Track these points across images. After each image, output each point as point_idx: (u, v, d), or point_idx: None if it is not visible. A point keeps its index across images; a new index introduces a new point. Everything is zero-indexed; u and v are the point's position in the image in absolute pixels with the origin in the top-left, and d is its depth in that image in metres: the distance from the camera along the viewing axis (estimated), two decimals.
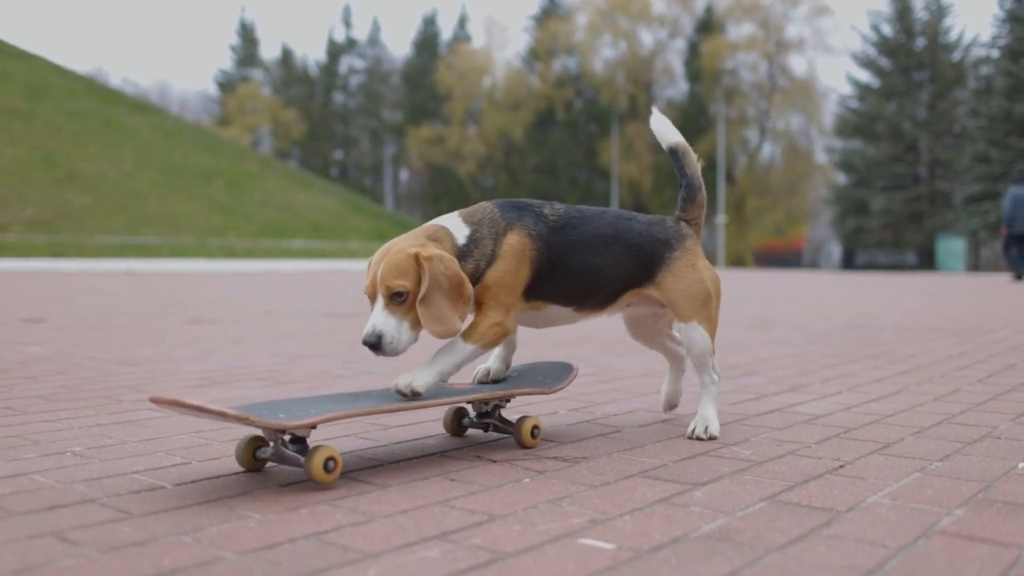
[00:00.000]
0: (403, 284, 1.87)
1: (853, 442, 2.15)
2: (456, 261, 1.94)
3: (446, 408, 2.28)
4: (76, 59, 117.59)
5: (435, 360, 1.97)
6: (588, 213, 2.14)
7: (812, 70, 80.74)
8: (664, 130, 2.32)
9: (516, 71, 68.52)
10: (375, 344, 1.86)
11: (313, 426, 1.73)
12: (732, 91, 59.99)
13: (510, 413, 2.27)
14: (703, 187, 2.31)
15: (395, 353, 1.89)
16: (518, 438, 2.07)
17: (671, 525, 1.47)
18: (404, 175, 75.45)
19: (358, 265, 19.72)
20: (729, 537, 1.41)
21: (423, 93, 70.79)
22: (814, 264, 55.13)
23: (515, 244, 2.00)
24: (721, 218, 47.42)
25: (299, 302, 8.44)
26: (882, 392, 2.97)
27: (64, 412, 2.51)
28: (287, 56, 77.14)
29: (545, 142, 65.55)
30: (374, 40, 77.56)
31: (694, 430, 2.18)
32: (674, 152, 2.31)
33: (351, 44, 76.77)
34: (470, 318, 2.04)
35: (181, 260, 22.27)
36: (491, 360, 2.25)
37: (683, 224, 2.26)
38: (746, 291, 12.48)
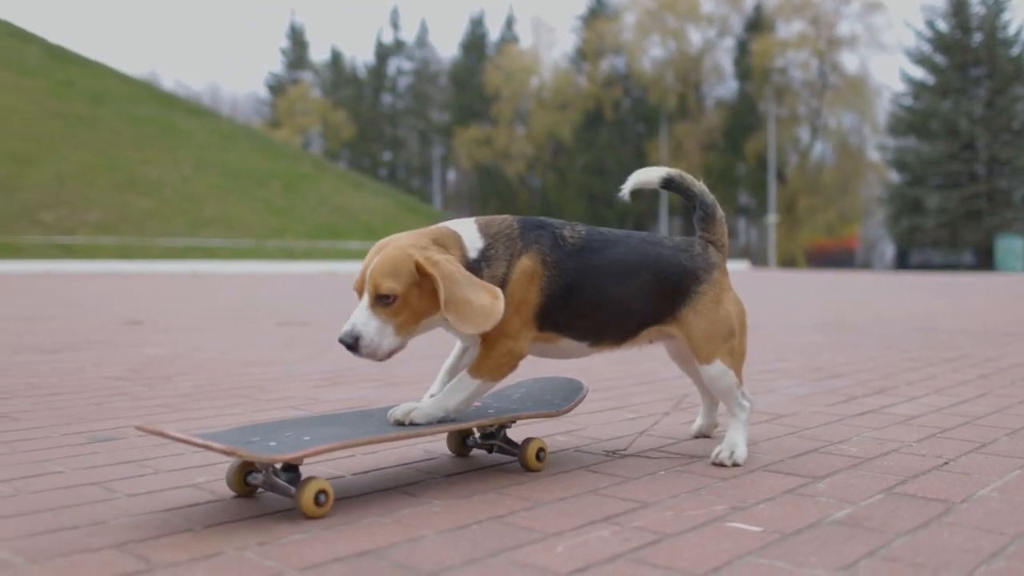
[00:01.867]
0: (391, 287, 1.74)
1: (951, 441, 2.31)
2: (460, 265, 1.81)
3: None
4: (130, 63, 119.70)
5: (443, 397, 1.88)
6: (612, 237, 2.01)
7: (864, 67, 79.90)
8: (646, 177, 2.19)
9: (564, 71, 68.71)
10: (351, 345, 1.74)
11: (300, 460, 1.66)
12: (782, 89, 59.62)
13: (516, 434, 2.22)
14: (716, 202, 2.20)
15: (374, 357, 1.76)
16: (523, 461, 1.99)
17: (804, 512, 1.65)
18: (452, 175, 75.98)
19: None
20: (859, 523, 1.58)
21: (471, 94, 71.25)
22: (866, 264, 54.60)
23: (525, 269, 1.87)
24: (772, 218, 47.16)
25: None
26: (968, 395, 3.12)
27: (215, 410, 2.74)
28: (336, 58, 78.06)
29: (593, 142, 65.67)
30: (422, 42, 78.20)
31: (719, 454, 2.04)
32: (670, 182, 2.19)
33: (399, 46, 77.46)
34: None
35: (241, 262, 22.74)
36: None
37: (711, 249, 2.13)
38: (802, 292, 12.54)
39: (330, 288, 12.36)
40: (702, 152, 61.66)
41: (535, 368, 3.68)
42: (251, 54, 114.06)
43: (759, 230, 60.61)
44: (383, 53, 77.52)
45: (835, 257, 53.66)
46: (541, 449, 1.99)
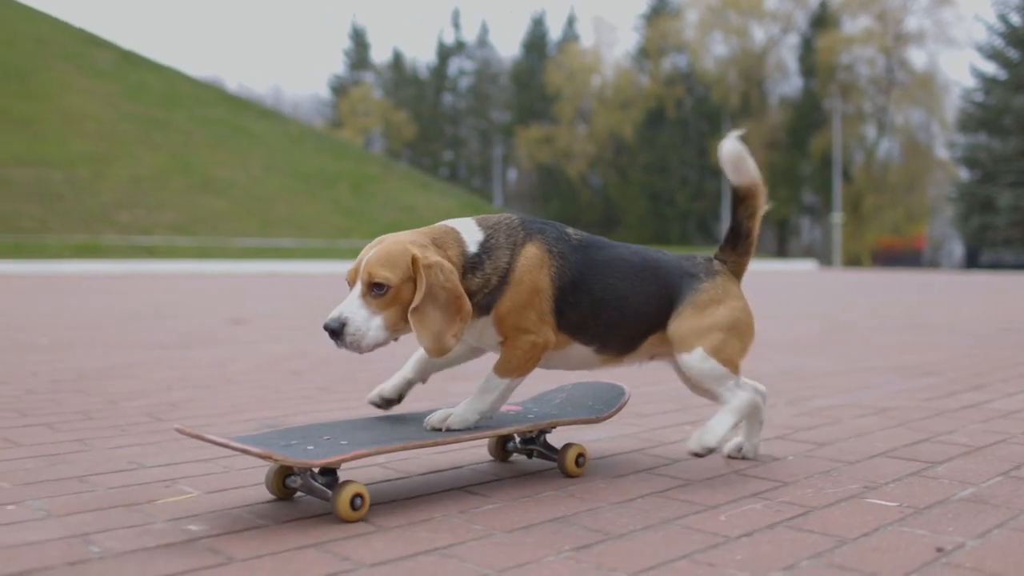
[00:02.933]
0: (386, 276, 1.72)
1: None
2: (456, 274, 1.78)
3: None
4: (194, 67, 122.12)
5: (475, 399, 1.88)
6: (611, 242, 2.00)
7: (933, 63, 78.52)
8: (738, 162, 2.02)
9: (625, 70, 68.56)
10: (336, 331, 1.71)
11: (337, 465, 1.68)
12: (848, 86, 58.86)
13: (555, 439, 2.18)
14: (753, 238, 2.08)
15: (357, 348, 1.73)
16: (562, 466, 2.00)
17: (931, 491, 1.83)
18: (512, 175, 76.28)
19: None
20: (984, 500, 1.76)
21: (532, 93, 71.43)
22: (934, 263, 53.73)
23: (533, 258, 1.84)
24: (837, 217, 46.68)
25: None
26: None
27: (355, 402, 2.99)
28: (398, 59, 78.71)
29: (655, 141, 65.45)
30: (483, 42, 78.53)
31: (695, 443, 1.95)
32: (736, 191, 2.05)
33: (460, 46, 77.90)
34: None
35: (313, 262, 23.24)
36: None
37: (716, 263, 2.07)
38: (877, 292, 12.55)
39: None
40: (766, 150, 61.13)
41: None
42: (313, 57, 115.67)
43: (823, 229, 59.98)
44: (444, 53, 78.02)
45: (901, 256, 52.89)
46: (580, 455, 1.99)
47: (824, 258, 47.92)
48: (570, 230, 1.93)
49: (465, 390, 3.10)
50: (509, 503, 1.75)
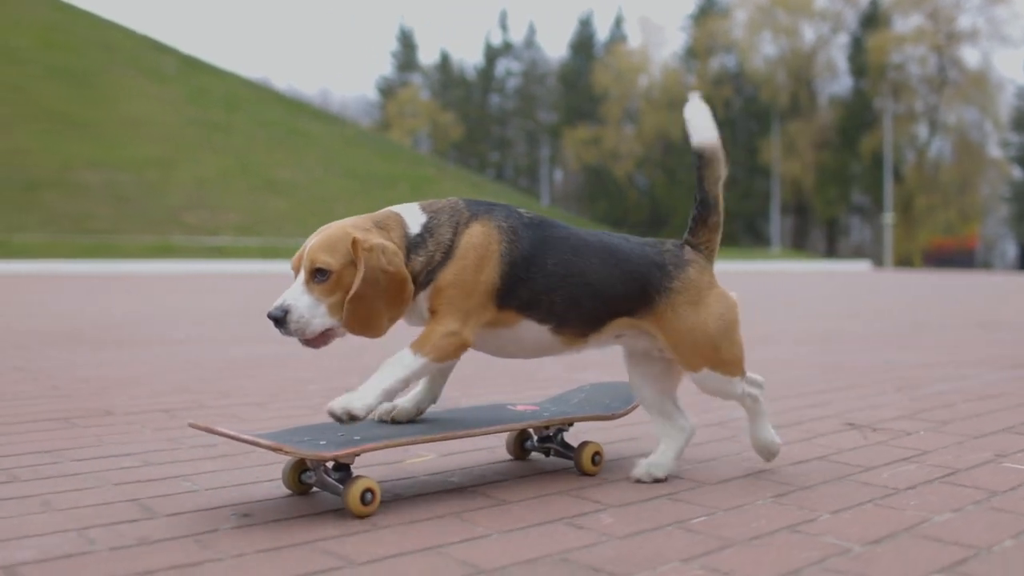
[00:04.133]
0: (327, 261, 1.70)
1: None
2: (401, 256, 1.74)
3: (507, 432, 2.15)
4: (244, 69, 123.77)
5: (378, 376, 1.75)
6: (566, 224, 1.93)
7: (986, 61, 77.52)
8: (699, 123, 1.97)
9: (673, 70, 68.48)
10: (279, 319, 1.69)
11: (350, 457, 1.70)
12: (899, 86, 58.37)
13: (573, 438, 2.17)
14: (720, 207, 1.99)
15: (302, 335, 1.70)
16: (578, 464, 2.01)
17: None
18: (558, 176, 76.52)
19: None
20: None
21: (579, 94, 71.62)
22: (987, 264, 53.13)
23: (479, 235, 1.78)
24: (888, 217, 46.40)
25: None
26: None
27: (510, 388, 3.36)
28: (445, 61, 79.25)
29: None
30: (530, 43, 78.83)
31: (763, 453, 2.06)
32: (700, 155, 1.96)
33: (507, 47, 78.25)
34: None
35: None
36: (408, 396, 1.98)
37: (685, 249, 1.97)
38: (938, 292, 12.69)
39: None
40: (815, 150, 60.81)
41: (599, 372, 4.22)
42: (360, 59, 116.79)
43: (873, 230, 59.54)
44: (492, 55, 78.39)
45: (953, 257, 52.37)
46: (597, 453, 2.01)
47: (874, 258, 47.62)
48: (522, 209, 1.88)
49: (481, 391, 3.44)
50: (515, 503, 1.77)
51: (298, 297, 1.70)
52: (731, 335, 1.94)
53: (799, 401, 3.04)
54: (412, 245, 1.79)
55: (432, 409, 2.09)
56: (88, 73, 33.10)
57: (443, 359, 1.78)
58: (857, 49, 61.63)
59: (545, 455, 2.14)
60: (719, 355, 1.91)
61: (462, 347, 1.79)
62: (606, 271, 1.87)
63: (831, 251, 61.34)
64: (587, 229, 1.94)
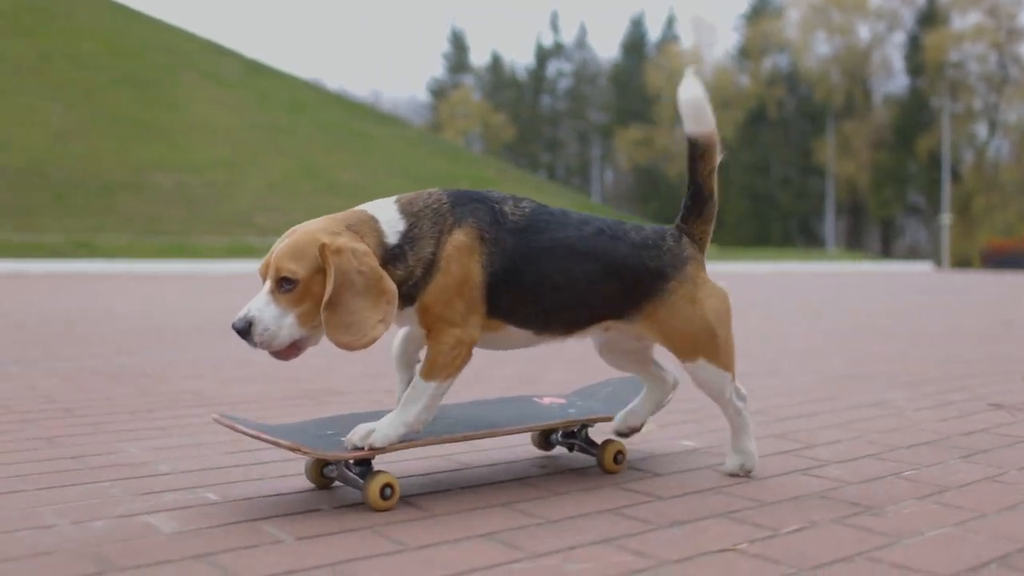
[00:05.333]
0: (292, 269, 1.61)
1: None
2: (372, 256, 1.65)
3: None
4: (297, 71, 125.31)
5: (400, 411, 1.73)
6: (562, 220, 1.82)
7: None
8: (695, 108, 1.88)
9: (725, 70, 68.29)
10: (243, 331, 1.61)
11: (366, 457, 1.71)
12: (957, 84, 57.70)
13: (597, 435, 2.15)
14: (715, 197, 1.94)
15: (268, 347, 1.63)
16: (601, 462, 2.01)
17: None
18: (609, 176, 76.59)
19: None
20: None
21: (631, 94, 71.68)
22: None
23: (461, 246, 1.70)
24: (946, 218, 45.93)
25: None
26: None
27: None
28: (496, 62, 79.65)
29: (756, 141, 65.08)
30: (581, 43, 79.04)
31: (729, 465, 2.00)
32: (695, 144, 1.89)
33: (558, 48, 78.49)
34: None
35: None
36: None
37: (684, 243, 1.91)
38: (1005, 293, 12.74)
39: None
40: (871, 150, 60.32)
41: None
42: (411, 60, 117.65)
43: (930, 230, 58.91)
44: (543, 56, 78.68)
45: (1013, 258, 51.58)
46: (620, 452, 2.01)
47: (931, 259, 47.13)
48: (508, 207, 1.77)
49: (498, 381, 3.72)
50: (565, 494, 1.81)
51: (262, 308, 1.62)
52: (726, 327, 1.91)
53: (940, 386, 3.30)
54: (390, 257, 1.69)
55: (457, 400, 2.18)
56: (154, 78, 33.93)
57: (454, 374, 1.73)
58: (914, 47, 61.04)
59: (569, 450, 2.14)
60: (715, 345, 1.88)
61: (469, 351, 1.74)
62: (595, 282, 1.81)
63: (886, 252, 60.76)
64: (584, 230, 1.82)
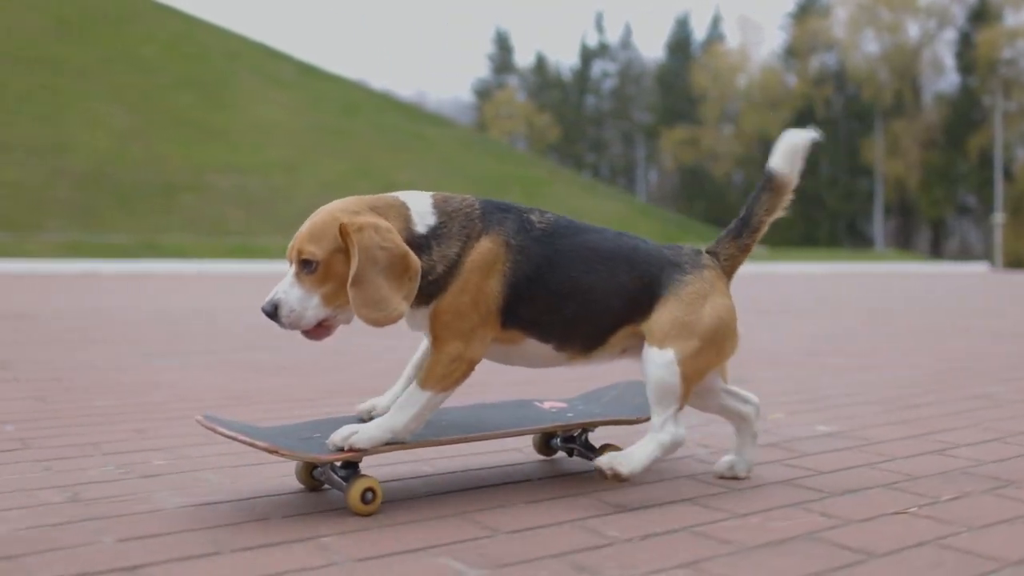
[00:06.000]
0: (311, 251, 1.63)
1: None
2: (395, 233, 1.65)
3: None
4: (343, 72, 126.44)
5: (391, 415, 1.71)
6: (583, 226, 1.83)
7: None
8: (792, 150, 1.91)
9: (772, 70, 68.01)
10: (271, 313, 1.65)
11: (349, 459, 1.69)
12: (1010, 82, 57.00)
13: (597, 440, 2.16)
14: (759, 235, 1.93)
15: (297, 327, 1.66)
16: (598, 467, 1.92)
17: None
18: (653, 176, 76.53)
19: None
20: None
21: (677, 94, 71.64)
22: None
23: (485, 254, 1.70)
24: (998, 217, 45.46)
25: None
26: None
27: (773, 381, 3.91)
28: (541, 62, 79.89)
29: None
30: (626, 43, 79.20)
31: (605, 460, 1.79)
32: (771, 179, 1.90)
33: (603, 49, 78.56)
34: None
35: None
36: (388, 393, 1.95)
37: (706, 256, 1.91)
38: None
39: None
40: (920, 149, 59.80)
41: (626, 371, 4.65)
42: (455, 61, 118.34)
43: (981, 230, 58.28)
44: (587, 56, 78.80)
45: None
46: None
47: (983, 259, 46.64)
48: (535, 216, 1.78)
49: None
50: (646, 483, 2.04)
51: (287, 290, 1.66)
52: (719, 341, 1.83)
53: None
54: (414, 244, 1.69)
55: (458, 404, 2.17)
56: (213, 81, 34.68)
57: (451, 387, 1.72)
58: (965, 45, 60.45)
59: (568, 455, 2.13)
60: (693, 348, 1.78)
61: (470, 368, 1.73)
62: (617, 281, 1.80)
63: (935, 252, 60.21)
64: (605, 233, 1.85)
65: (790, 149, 1.90)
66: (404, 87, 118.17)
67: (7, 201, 24.05)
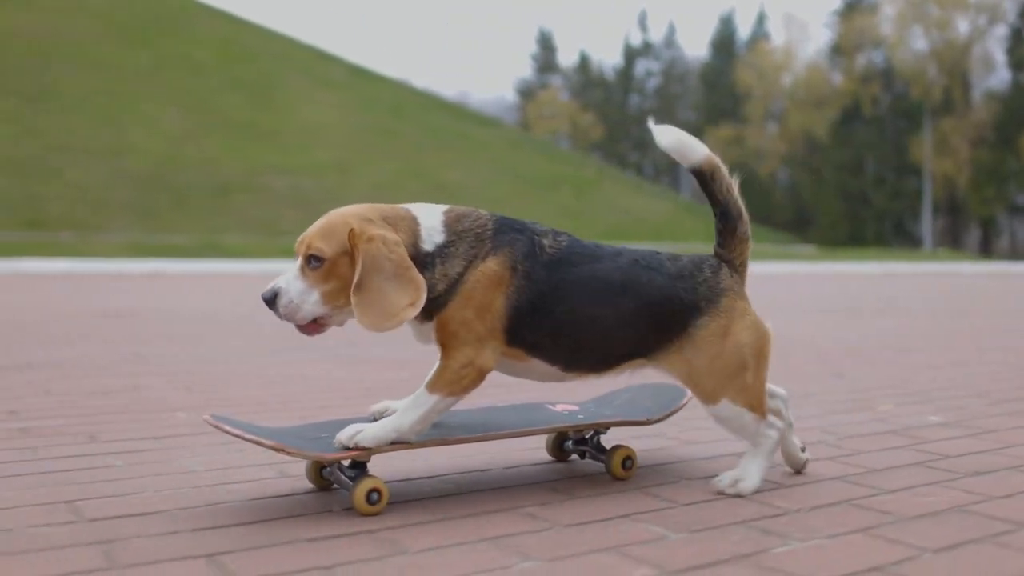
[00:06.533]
0: (320, 248, 1.65)
1: None
2: (402, 247, 1.66)
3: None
4: (384, 72, 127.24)
5: (398, 415, 1.71)
6: (596, 252, 1.78)
7: None
8: (680, 146, 1.85)
9: (818, 67, 67.51)
10: (270, 300, 1.67)
11: (355, 457, 1.69)
12: None
13: (608, 440, 2.19)
14: (744, 215, 1.87)
15: (292, 319, 1.68)
16: (609, 469, 1.96)
17: None
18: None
19: None
20: None
21: (721, 93, 71.40)
22: None
23: (490, 274, 1.69)
24: None
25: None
26: None
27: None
28: (584, 62, 79.94)
29: (850, 139, 64.24)
30: (670, 42, 78.91)
31: (721, 480, 1.84)
32: (700, 173, 1.85)
33: (647, 47, 78.45)
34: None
35: None
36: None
37: (723, 273, 1.84)
38: None
39: None
40: (970, 147, 59.08)
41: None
42: (497, 61, 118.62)
43: None
44: (631, 55, 78.70)
45: None
46: (628, 457, 1.96)
47: None
48: (547, 240, 1.75)
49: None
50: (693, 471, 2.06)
51: (291, 282, 1.68)
52: (757, 366, 1.81)
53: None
54: (419, 261, 1.69)
55: (469, 406, 2.19)
56: (264, 83, 35.22)
57: (459, 393, 1.71)
58: (1017, 41, 59.73)
59: (581, 457, 2.12)
60: (740, 384, 1.79)
61: (481, 375, 1.71)
62: (625, 316, 1.76)
63: (985, 251, 59.48)
64: (619, 260, 1.79)
65: (676, 147, 1.84)
66: (447, 87, 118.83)
67: (71, 202, 24.66)
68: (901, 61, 62.94)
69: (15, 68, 30.89)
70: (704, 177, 1.85)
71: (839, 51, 66.68)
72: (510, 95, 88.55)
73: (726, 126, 68.35)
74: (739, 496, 1.80)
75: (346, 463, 1.73)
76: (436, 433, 1.80)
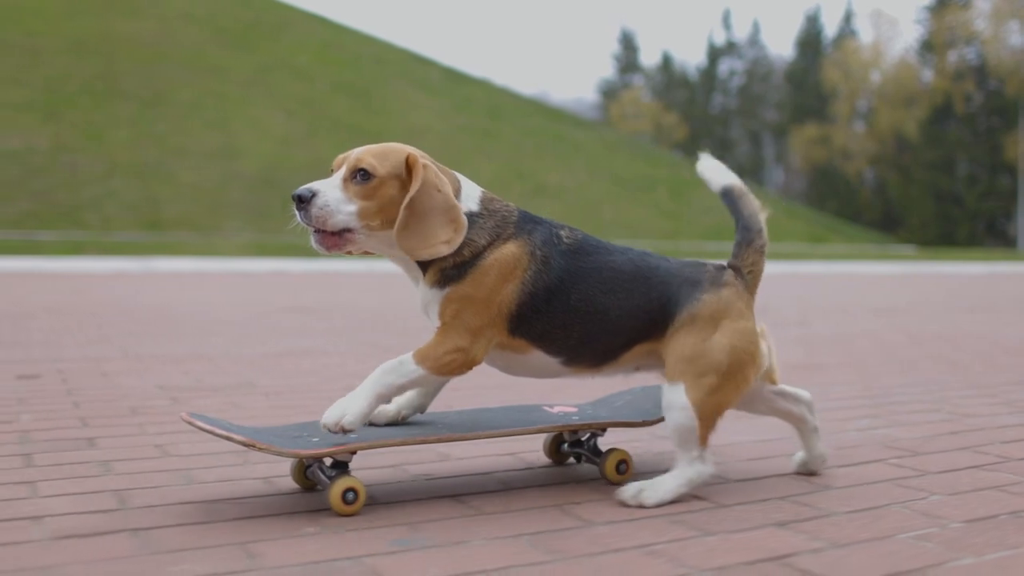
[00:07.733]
0: (372, 164, 1.65)
1: None
2: (450, 187, 1.69)
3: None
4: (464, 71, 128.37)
5: (371, 381, 1.66)
6: (608, 246, 1.82)
7: None
8: (712, 176, 1.96)
9: (907, 65, 66.33)
10: (303, 198, 1.62)
11: (315, 458, 1.67)
12: None
13: (604, 444, 2.13)
14: (764, 231, 1.91)
15: (322, 225, 1.64)
16: (603, 472, 1.93)
17: None
18: (779, 175, 75.45)
19: (813, 267, 20.91)
20: None
21: (807, 92, 70.53)
22: None
23: (508, 255, 1.70)
24: None
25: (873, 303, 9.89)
26: None
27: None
28: (667, 62, 79.56)
29: (941, 138, 63.00)
30: (754, 41, 78.13)
31: (625, 490, 1.76)
32: (728, 194, 1.93)
33: (731, 47, 77.79)
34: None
35: None
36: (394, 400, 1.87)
37: (728, 273, 1.85)
38: None
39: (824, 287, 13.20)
40: None
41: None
42: (578, 61, 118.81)
43: None
44: (714, 54, 78.14)
45: None
46: (622, 461, 1.93)
47: None
48: (564, 232, 1.77)
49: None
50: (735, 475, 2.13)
51: (330, 188, 1.64)
52: (732, 376, 1.76)
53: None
54: None
55: (463, 407, 2.20)
56: (366, 86, 35.96)
57: (444, 374, 1.69)
58: None
59: (577, 460, 2.08)
60: (706, 383, 1.73)
61: (468, 365, 1.70)
62: (633, 303, 1.77)
63: None
64: (628, 253, 1.82)
65: (709, 175, 1.97)
66: (526, 86, 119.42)
67: (188, 203, 25.61)
68: (996, 57, 61.55)
69: (131, 74, 32.09)
70: (732, 197, 1.92)
71: (930, 48, 65.40)
72: (589, 95, 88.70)
73: (812, 125, 67.47)
74: (641, 507, 1.73)
75: (327, 462, 1.72)
76: (429, 432, 1.78)
